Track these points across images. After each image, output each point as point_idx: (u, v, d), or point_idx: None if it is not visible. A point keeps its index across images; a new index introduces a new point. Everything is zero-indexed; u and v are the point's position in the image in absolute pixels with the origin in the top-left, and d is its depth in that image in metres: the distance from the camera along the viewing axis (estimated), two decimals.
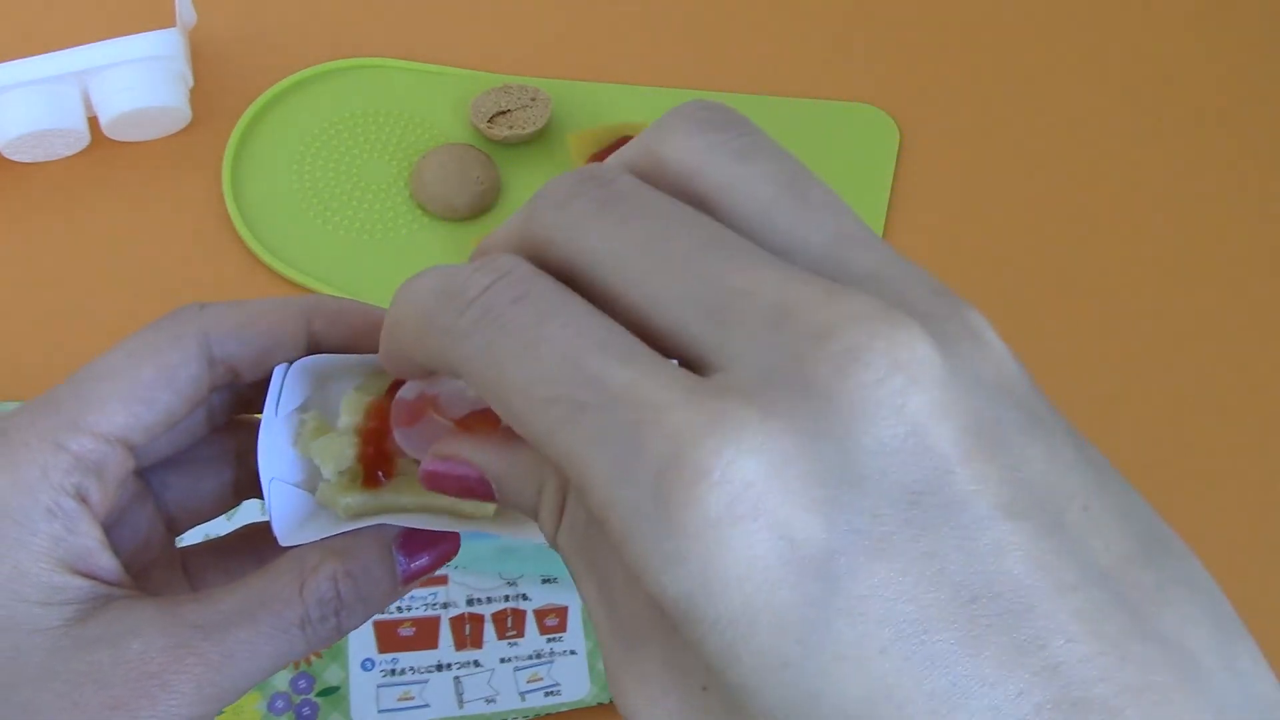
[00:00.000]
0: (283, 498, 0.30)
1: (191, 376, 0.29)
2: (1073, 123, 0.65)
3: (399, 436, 0.28)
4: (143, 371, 0.29)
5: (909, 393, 0.19)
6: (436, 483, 0.25)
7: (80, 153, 0.59)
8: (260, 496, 0.30)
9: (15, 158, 0.58)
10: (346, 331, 0.31)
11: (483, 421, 0.26)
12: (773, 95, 0.64)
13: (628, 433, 0.19)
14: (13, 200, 0.58)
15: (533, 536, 0.29)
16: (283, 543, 0.29)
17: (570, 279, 0.21)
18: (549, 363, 0.20)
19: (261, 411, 0.30)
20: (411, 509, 0.30)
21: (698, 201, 0.22)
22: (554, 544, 0.23)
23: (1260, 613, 0.52)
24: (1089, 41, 0.67)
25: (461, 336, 0.21)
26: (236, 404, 0.32)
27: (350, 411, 0.29)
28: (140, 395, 0.29)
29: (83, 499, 0.28)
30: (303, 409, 0.30)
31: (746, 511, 0.18)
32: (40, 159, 0.58)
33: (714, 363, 0.20)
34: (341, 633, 0.29)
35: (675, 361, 0.20)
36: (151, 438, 0.30)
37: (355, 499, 0.29)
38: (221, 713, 0.45)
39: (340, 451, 0.29)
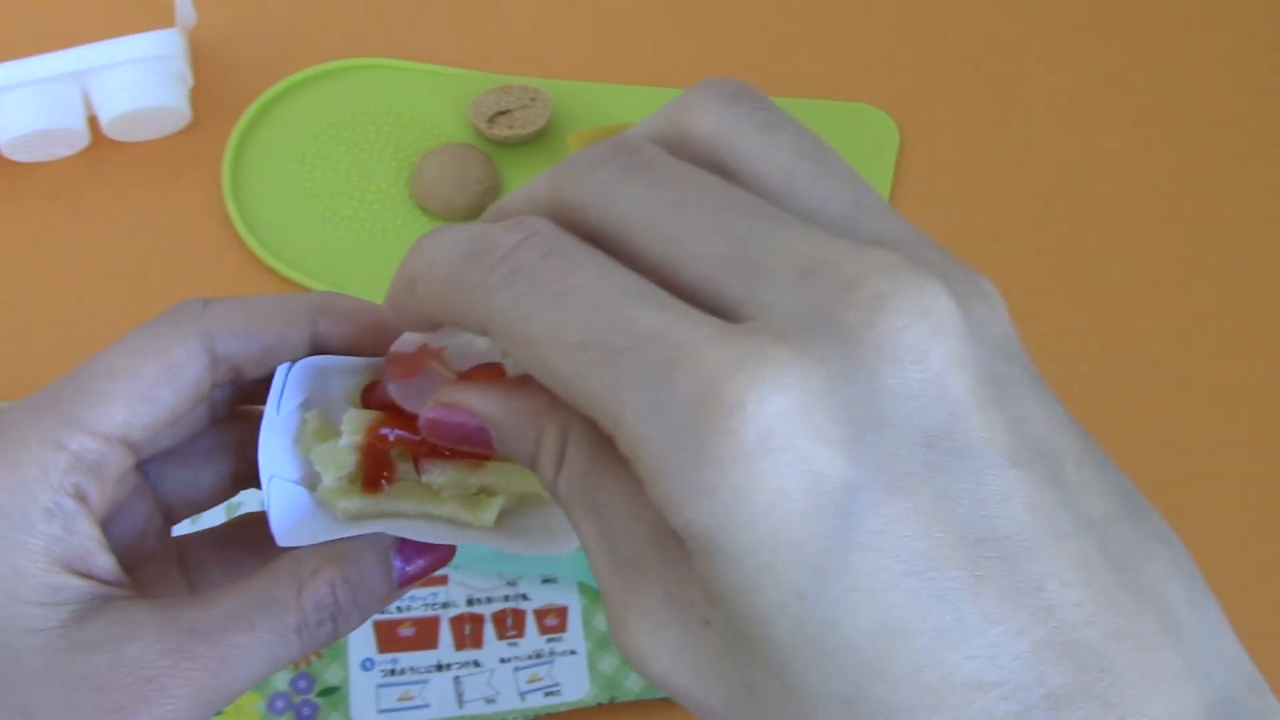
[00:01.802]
0: (282, 496, 0.29)
1: (194, 375, 0.29)
2: (1072, 122, 0.65)
3: (393, 389, 0.28)
4: (145, 369, 0.29)
5: (932, 340, 0.20)
6: (436, 430, 0.25)
7: (80, 153, 0.59)
8: (259, 485, 0.29)
9: (15, 158, 0.58)
10: (351, 330, 0.31)
11: (485, 374, 0.27)
12: (773, 95, 0.64)
13: (662, 370, 0.20)
14: (13, 200, 0.58)
15: (528, 549, 0.29)
16: (281, 544, 0.29)
17: (597, 242, 0.22)
18: (580, 310, 0.21)
19: (262, 403, 0.30)
20: (411, 515, 0.30)
21: (722, 171, 0.23)
22: (553, 490, 0.24)
23: (1260, 609, 0.52)
24: (1089, 41, 0.67)
25: (491, 292, 0.22)
26: (239, 397, 0.32)
27: (353, 430, 0.29)
28: (142, 394, 0.29)
29: (81, 498, 0.28)
30: (304, 407, 0.30)
31: (777, 445, 0.19)
32: (40, 159, 0.58)
33: (744, 312, 0.20)
34: (337, 637, 0.29)
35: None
36: (152, 435, 0.29)
37: (354, 503, 0.29)
38: (221, 712, 0.45)
39: (342, 459, 0.29)
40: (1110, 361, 0.58)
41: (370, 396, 0.30)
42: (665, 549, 0.21)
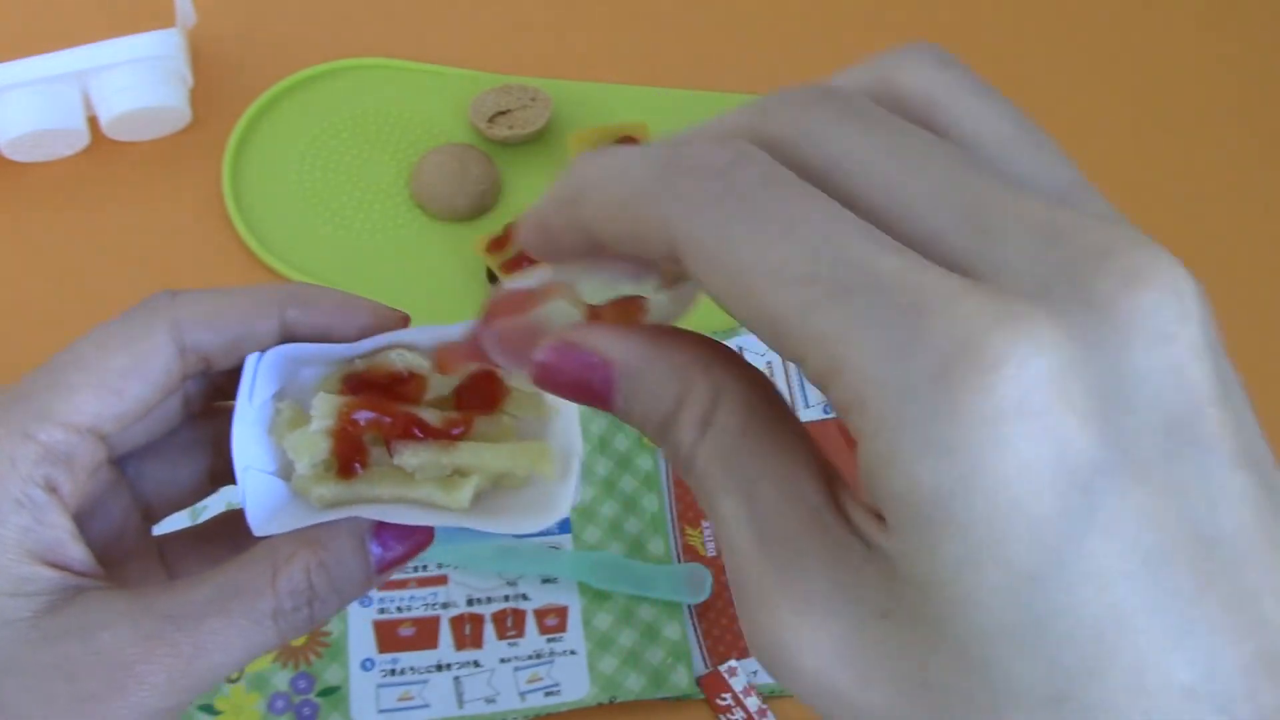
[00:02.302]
0: (257, 486, 0.29)
1: (162, 365, 0.29)
2: (1072, 122, 0.65)
3: (490, 340, 0.26)
4: (113, 360, 0.29)
5: (1182, 323, 0.18)
6: (549, 376, 0.23)
7: (80, 153, 0.59)
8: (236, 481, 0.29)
9: (15, 158, 0.58)
10: (320, 319, 0.30)
11: (619, 314, 0.24)
12: None
13: (908, 316, 0.18)
14: (13, 200, 0.58)
15: (505, 528, 0.29)
16: (256, 532, 0.29)
17: (810, 182, 0.20)
18: (808, 244, 0.19)
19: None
20: (386, 500, 0.29)
21: (935, 130, 0.21)
22: (688, 457, 0.22)
23: None
24: (1089, 41, 0.67)
25: (697, 210, 0.20)
26: (213, 392, 0.32)
27: (323, 415, 0.29)
28: (110, 384, 0.29)
29: (52, 489, 0.28)
30: (278, 397, 0.30)
31: (1032, 410, 0.17)
32: (40, 159, 0.58)
33: (980, 272, 0.19)
34: (314, 623, 0.29)
35: None
36: (123, 427, 0.29)
37: (330, 489, 0.29)
38: (221, 712, 0.45)
39: (315, 445, 0.29)
40: None
41: (351, 384, 0.30)
42: (831, 532, 0.20)
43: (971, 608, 0.18)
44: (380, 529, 0.29)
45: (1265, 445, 0.20)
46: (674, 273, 0.23)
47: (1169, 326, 0.18)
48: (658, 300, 0.24)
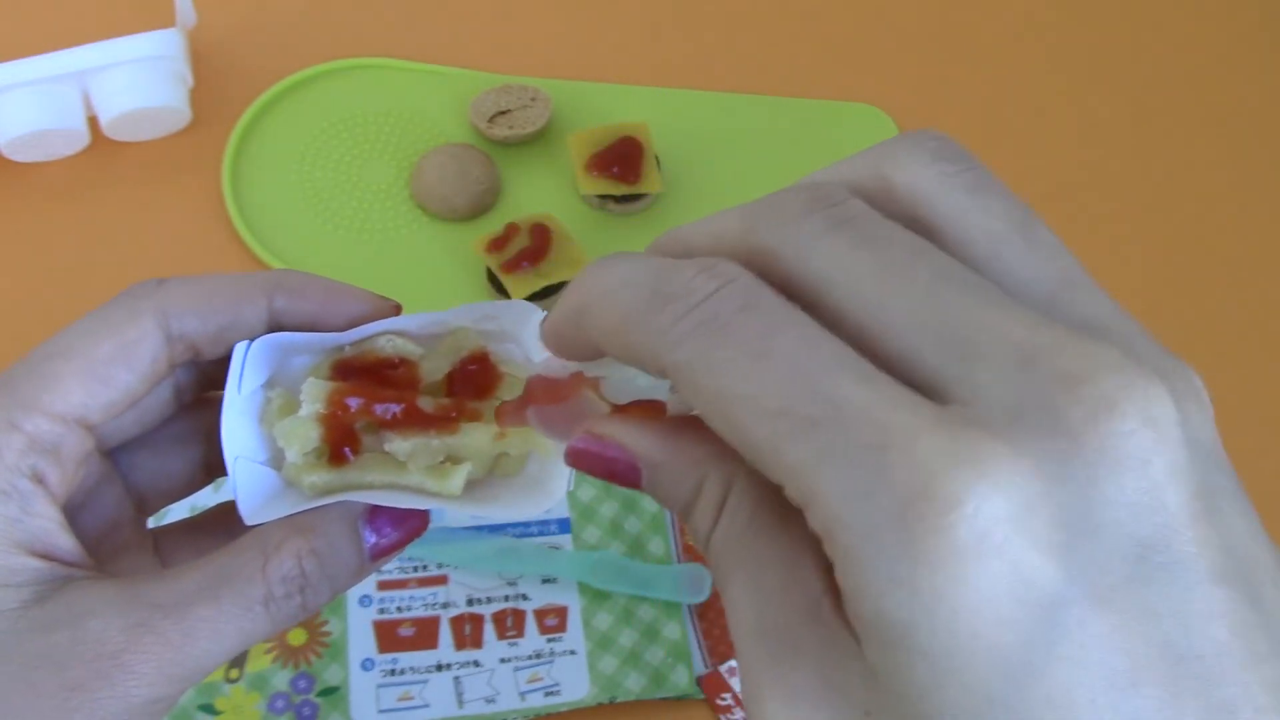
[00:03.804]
0: (248, 476, 0.29)
1: (149, 353, 0.29)
2: (1073, 122, 0.65)
3: (533, 415, 0.28)
4: (99, 348, 0.28)
5: (1155, 449, 0.19)
6: (581, 460, 0.24)
7: (80, 153, 0.59)
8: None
9: (15, 158, 0.58)
10: (309, 307, 0.30)
11: (644, 411, 0.26)
12: (773, 95, 0.64)
13: (871, 454, 0.19)
14: (13, 200, 0.58)
15: (500, 514, 0.29)
16: (248, 521, 0.29)
17: (794, 296, 0.21)
18: (779, 375, 0.20)
19: None
20: (378, 486, 0.29)
21: (925, 230, 0.22)
22: (705, 542, 0.23)
23: None
24: (1089, 41, 0.67)
25: (680, 340, 0.21)
26: (204, 382, 0.32)
27: (312, 400, 0.29)
28: (97, 373, 0.28)
29: (39, 480, 0.28)
30: (268, 386, 0.30)
31: (991, 548, 0.18)
32: (40, 159, 0.58)
33: (953, 393, 0.19)
34: (307, 611, 0.29)
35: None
36: (111, 416, 0.29)
37: (321, 477, 0.29)
38: (221, 712, 0.45)
39: (305, 433, 0.29)
40: None
41: (340, 370, 0.30)
42: (825, 628, 0.21)
43: None
44: (374, 515, 0.29)
45: (1261, 547, 0.20)
46: None
47: (1141, 453, 0.19)
48: (674, 396, 0.25)
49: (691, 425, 0.24)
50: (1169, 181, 0.63)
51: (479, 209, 0.59)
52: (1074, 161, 0.63)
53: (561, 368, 0.27)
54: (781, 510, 0.22)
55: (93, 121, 0.58)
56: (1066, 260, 0.22)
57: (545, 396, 0.27)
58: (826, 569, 0.21)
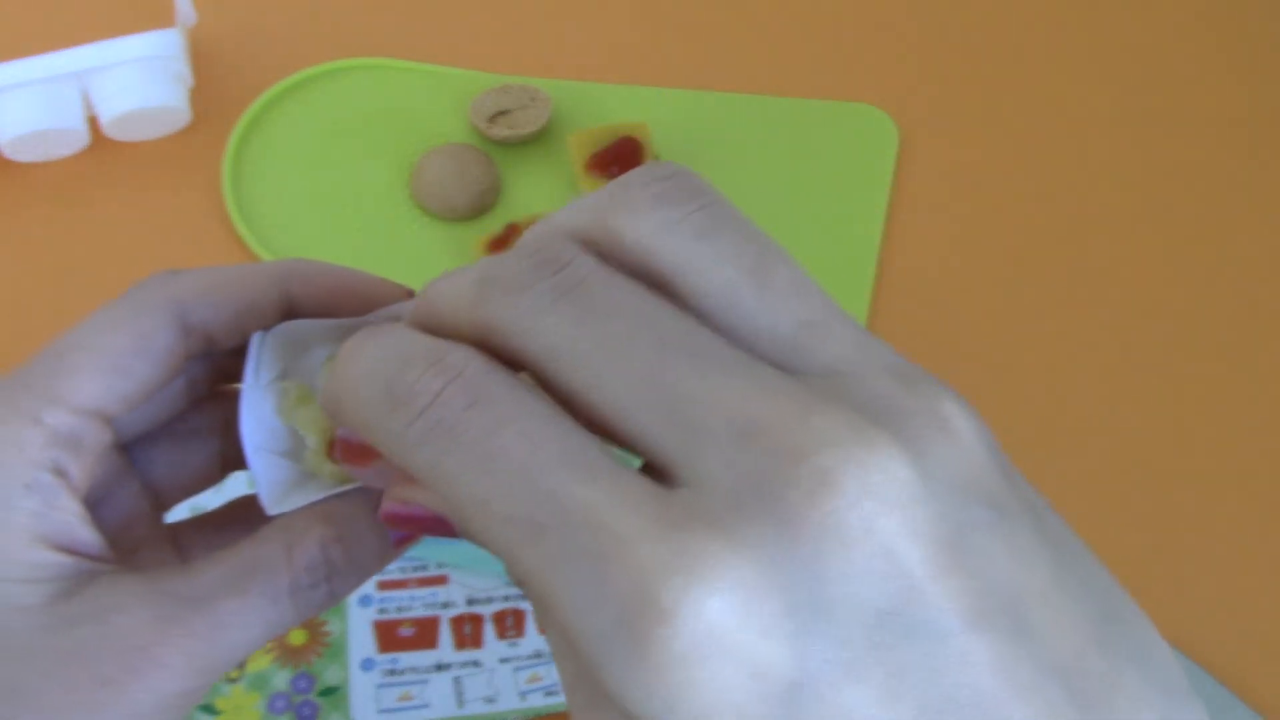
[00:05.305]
0: (268, 467, 0.29)
1: (165, 344, 0.29)
2: (1073, 122, 0.65)
3: (355, 473, 0.28)
4: (116, 341, 0.28)
5: (879, 515, 0.19)
6: (396, 523, 0.24)
7: (80, 153, 0.59)
8: (247, 467, 0.29)
9: (15, 158, 0.58)
10: (323, 294, 0.30)
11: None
12: (773, 95, 0.64)
13: (591, 562, 0.19)
14: (13, 200, 0.58)
15: None
16: (270, 512, 0.28)
17: (528, 370, 0.21)
18: (504, 478, 0.20)
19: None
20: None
21: (657, 281, 0.21)
22: (519, 583, 0.23)
23: (1259, 611, 0.52)
24: (1090, 41, 0.67)
25: (413, 446, 0.21)
26: (218, 375, 0.32)
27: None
28: (114, 365, 0.28)
29: (60, 474, 0.28)
30: (284, 376, 0.30)
31: (714, 650, 0.18)
32: (40, 159, 0.58)
33: (680, 476, 0.19)
34: (335, 599, 0.29)
35: (638, 464, 0.20)
36: (129, 408, 0.29)
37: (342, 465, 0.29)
38: (221, 712, 0.45)
39: (324, 419, 0.29)
40: (1111, 359, 0.58)
41: None
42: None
43: None
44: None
45: (1027, 568, 0.20)
46: None
47: (864, 523, 0.18)
48: None
49: None
50: (1172, 181, 0.63)
51: (479, 209, 0.59)
52: (1076, 161, 0.63)
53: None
54: None
55: (93, 121, 0.58)
56: (806, 300, 0.21)
57: (350, 459, 0.26)
58: None
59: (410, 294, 0.31)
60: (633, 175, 0.22)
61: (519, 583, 0.20)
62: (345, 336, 0.30)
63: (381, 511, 0.24)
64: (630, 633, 0.18)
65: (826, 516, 0.18)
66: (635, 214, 0.22)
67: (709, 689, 0.18)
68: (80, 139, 0.58)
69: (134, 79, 0.57)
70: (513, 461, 0.20)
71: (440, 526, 0.23)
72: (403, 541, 0.29)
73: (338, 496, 0.29)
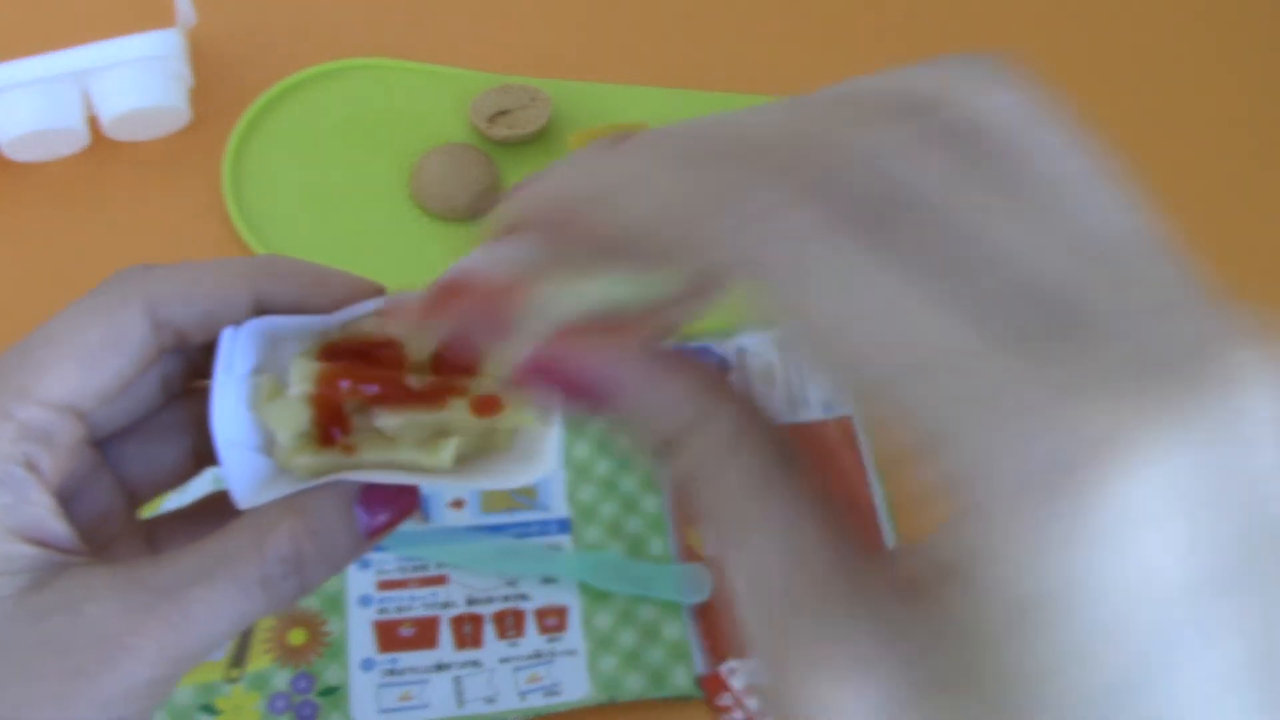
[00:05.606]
0: (240, 461, 0.29)
1: (138, 339, 0.29)
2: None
3: (452, 323, 0.25)
4: (87, 335, 0.29)
5: None
6: (542, 375, 0.21)
7: (80, 153, 0.59)
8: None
9: (15, 158, 0.58)
10: (294, 291, 0.30)
11: (607, 331, 0.22)
12: (772, 95, 0.64)
13: (1012, 413, 0.17)
14: (13, 200, 0.58)
15: (491, 484, 0.29)
16: (241, 506, 0.29)
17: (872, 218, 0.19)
18: (908, 312, 0.18)
19: None
20: (369, 466, 0.29)
21: (998, 164, 0.20)
22: (704, 489, 0.20)
23: None
24: (1089, 41, 0.67)
25: (764, 249, 0.18)
26: (192, 372, 0.32)
27: (301, 379, 0.29)
28: (86, 360, 0.28)
29: (32, 467, 0.28)
30: (256, 372, 0.30)
31: (1138, 523, 0.16)
32: (40, 159, 0.58)
33: (1085, 321, 0.18)
34: (305, 590, 0.29)
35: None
36: (102, 403, 0.29)
37: (313, 459, 0.29)
38: (221, 711, 0.45)
39: (296, 415, 0.29)
40: None
41: (327, 352, 0.30)
42: (869, 591, 0.19)
43: (1055, 712, 0.17)
44: (366, 496, 0.29)
45: None
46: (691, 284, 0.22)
47: (1275, 429, 0.17)
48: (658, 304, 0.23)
49: (678, 353, 0.21)
50: (1172, 179, 0.63)
51: (479, 209, 0.59)
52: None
53: (499, 267, 0.23)
54: (790, 458, 0.20)
55: (93, 121, 0.58)
56: (1140, 215, 0.20)
57: (474, 306, 0.23)
58: (837, 526, 0.20)
59: (382, 290, 0.31)
60: (955, 60, 0.21)
61: (899, 421, 0.18)
62: (317, 333, 0.30)
63: (530, 361, 0.21)
64: (1050, 490, 0.16)
65: (1242, 411, 0.17)
66: (980, 90, 0.20)
67: (1120, 568, 0.16)
68: (80, 139, 0.58)
69: (134, 79, 0.57)
70: (883, 293, 0.18)
71: (596, 391, 0.21)
72: (374, 534, 0.30)
73: (309, 490, 0.29)
